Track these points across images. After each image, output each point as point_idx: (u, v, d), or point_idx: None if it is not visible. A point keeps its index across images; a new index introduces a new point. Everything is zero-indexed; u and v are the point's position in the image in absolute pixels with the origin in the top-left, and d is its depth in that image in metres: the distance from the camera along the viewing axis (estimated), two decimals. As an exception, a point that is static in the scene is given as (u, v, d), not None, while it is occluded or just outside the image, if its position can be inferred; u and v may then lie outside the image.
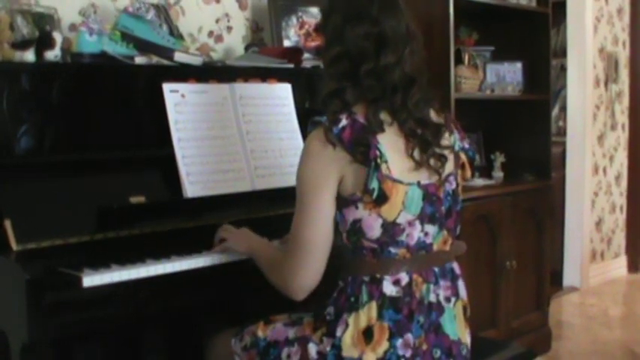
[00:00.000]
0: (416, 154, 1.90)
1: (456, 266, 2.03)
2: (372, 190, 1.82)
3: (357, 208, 1.85)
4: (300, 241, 1.91)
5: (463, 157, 2.04)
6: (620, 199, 6.02)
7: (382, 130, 1.86)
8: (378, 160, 1.82)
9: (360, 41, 1.88)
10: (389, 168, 1.84)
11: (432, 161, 1.91)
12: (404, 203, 1.86)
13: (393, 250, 1.89)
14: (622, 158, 6.00)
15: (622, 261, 6.04)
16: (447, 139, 1.98)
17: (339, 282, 1.96)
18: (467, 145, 2.05)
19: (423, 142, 1.90)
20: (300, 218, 1.90)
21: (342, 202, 1.87)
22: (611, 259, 5.91)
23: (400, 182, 1.85)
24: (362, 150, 1.83)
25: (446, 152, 1.95)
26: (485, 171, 4.04)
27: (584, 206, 5.51)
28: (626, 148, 6.04)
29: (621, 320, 4.94)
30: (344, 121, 1.84)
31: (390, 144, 1.87)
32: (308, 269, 1.91)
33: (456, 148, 2.01)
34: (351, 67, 1.89)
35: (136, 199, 2.32)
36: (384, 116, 1.88)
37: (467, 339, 2.02)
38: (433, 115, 1.96)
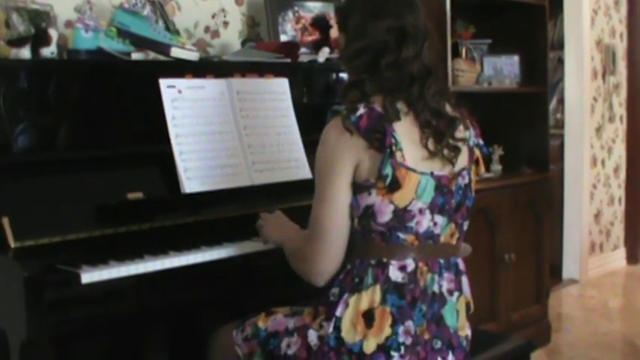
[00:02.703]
0: (430, 144, 1.93)
1: (460, 262, 2.04)
2: (386, 177, 1.85)
3: (370, 194, 1.88)
4: (318, 228, 1.95)
5: (477, 153, 2.06)
6: (619, 191, 6.03)
7: (398, 119, 1.89)
8: (393, 148, 1.86)
9: (383, 35, 1.94)
10: (403, 156, 1.87)
11: (445, 152, 1.94)
12: (416, 192, 1.89)
13: (401, 235, 1.91)
14: (620, 150, 6.00)
15: (621, 253, 6.05)
16: (461, 132, 2.00)
17: (346, 264, 1.97)
18: (482, 142, 2.09)
19: (437, 133, 1.94)
20: (318, 205, 1.94)
21: (357, 188, 1.90)
22: (610, 251, 5.92)
23: (414, 171, 1.88)
24: (378, 137, 1.86)
25: (459, 144, 1.98)
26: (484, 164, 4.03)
27: (583, 198, 5.51)
28: (624, 140, 6.04)
29: (621, 312, 4.95)
30: (361, 110, 1.88)
31: (406, 133, 1.90)
32: (326, 255, 1.94)
33: (471, 143, 2.04)
34: (372, 60, 1.94)
35: (134, 196, 2.32)
36: (400, 106, 1.92)
37: (467, 332, 2.03)
38: (449, 109, 2.00)
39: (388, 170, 1.85)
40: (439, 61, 2.02)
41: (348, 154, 1.89)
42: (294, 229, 2.23)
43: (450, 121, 1.97)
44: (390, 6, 1.95)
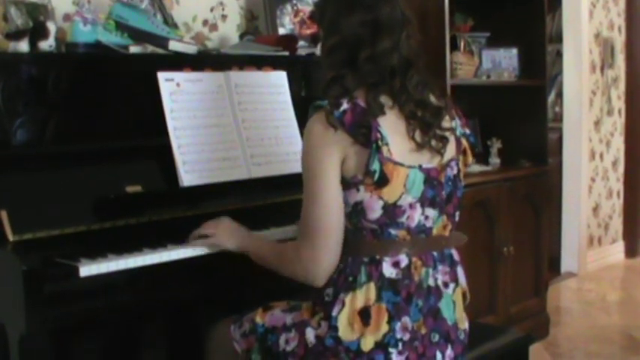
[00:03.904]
0: (417, 135, 1.91)
1: (454, 253, 2.03)
2: (374, 172, 1.83)
3: (358, 190, 1.86)
4: (314, 225, 1.90)
5: (464, 142, 2.05)
6: (617, 185, 6.03)
7: (383, 113, 1.87)
8: (379, 143, 1.83)
9: (356, 29, 1.91)
10: (390, 151, 1.85)
11: (433, 142, 1.93)
12: (405, 186, 1.87)
13: (393, 231, 1.89)
14: (619, 144, 6.01)
15: (619, 246, 6.05)
16: (448, 122, 1.99)
17: (339, 263, 1.95)
18: (468, 131, 2.07)
19: (423, 124, 1.92)
20: (310, 203, 1.90)
21: (344, 184, 1.88)
22: (608, 245, 5.92)
23: (401, 165, 1.86)
24: (363, 132, 1.84)
25: (447, 134, 1.96)
26: (482, 157, 4.03)
27: (581, 192, 5.52)
28: (623, 134, 6.04)
29: (619, 305, 4.95)
30: (345, 105, 1.86)
31: (391, 127, 1.88)
32: (327, 251, 1.90)
33: (458, 133, 2.02)
34: (348, 55, 1.92)
35: (133, 189, 2.32)
36: (384, 100, 1.89)
37: (465, 324, 2.03)
38: (434, 100, 1.98)
39: (376, 166, 1.83)
40: (420, 49, 1.97)
41: (334, 149, 1.86)
42: (254, 234, 2.19)
43: (436, 111, 1.95)
44: None
